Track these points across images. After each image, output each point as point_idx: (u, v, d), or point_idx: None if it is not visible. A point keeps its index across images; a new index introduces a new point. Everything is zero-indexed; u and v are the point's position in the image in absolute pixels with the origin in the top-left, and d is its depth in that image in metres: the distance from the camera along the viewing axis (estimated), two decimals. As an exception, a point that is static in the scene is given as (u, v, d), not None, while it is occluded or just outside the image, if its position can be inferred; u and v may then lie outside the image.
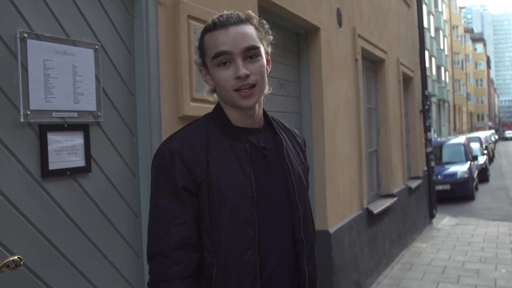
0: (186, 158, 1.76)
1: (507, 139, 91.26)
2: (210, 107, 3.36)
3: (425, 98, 11.54)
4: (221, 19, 1.81)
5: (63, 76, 2.50)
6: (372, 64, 8.34)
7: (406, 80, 10.82)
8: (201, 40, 1.86)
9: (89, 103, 2.63)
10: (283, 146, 1.95)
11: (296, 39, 5.46)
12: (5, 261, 2.13)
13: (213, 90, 1.96)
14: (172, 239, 1.73)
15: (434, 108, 44.77)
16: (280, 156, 1.93)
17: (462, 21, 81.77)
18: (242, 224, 1.77)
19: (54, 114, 2.45)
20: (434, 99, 45.30)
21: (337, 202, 5.81)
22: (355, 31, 6.73)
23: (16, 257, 2.16)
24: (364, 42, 7.14)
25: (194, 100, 3.24)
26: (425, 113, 11.51)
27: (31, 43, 2.34)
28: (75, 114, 2.56)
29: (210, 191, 1.77)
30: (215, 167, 1.78)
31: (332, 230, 5.56)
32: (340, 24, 6.17)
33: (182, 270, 1.73)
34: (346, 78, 6.37)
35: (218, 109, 1.94)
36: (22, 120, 2.30)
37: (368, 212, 6.98)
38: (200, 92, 3.30)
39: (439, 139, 20.89)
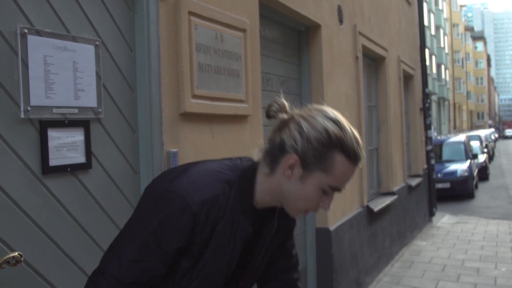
0: (197, 224, 1.60)
1: (507, 137, 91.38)
2: (211, 104, 3.37)
3: (426, 96, 11.53)
4: (360, 154, 1.61)
5: (63, 72, 2.49)
6: (373, 62, 8.32)
7: (407, 78, 10.81)
8: (329, 152, 1.58)
9: (89, 99, 2.62)
10: (270, 233, 1.82)
11: (297, 36, 5.44)
12: (5, 258, 2.13)
13: (266, 158, 1.69)
14: (137, 277, 1.61)
15: (434, 106, 44.76)
16: (264, 240, 1.81)
17: (463, 19, 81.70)
18: None
19: (54, 110, 2.44)
20: (434, 97, 45.27)
21: (338, 200, 5.81)
22: (356, 28, 6.72)
23: (16, 254, 2.15)
24: (365, 40, 7.13)
25: (195, 96, 3.23)
26: (426, 111, 11.50)
27: (31, 39, 2.33)
28: (76, 110, 2.55)
29: (196, 263, 1.67)
30: (214, 244, 1.66)
31: (332, 227, 5.55)
32: (341, 21, 6.16)
33: None
34: (346, 76, 6.36)
35: (247, 182, 1.70)
36: (22, 116, 2.29)
37: (368, 210, 6.97)
38: (201, 89, 3.29)
39: (439, 138, 20.88)
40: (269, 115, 1.68)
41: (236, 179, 1.68)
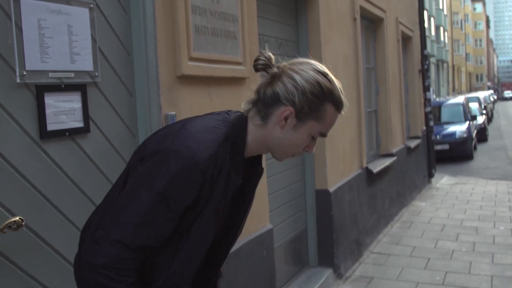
0: (205, 180, 1.63)
1: (506, 99, 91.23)
2: (208, 66, 3.36)
3: (424, 57, 11.48)
4: (345, 103, 1.78)
5: (58, 36, 2.46)
6: (371, 23, 8.25)
7: (405, 40, 10.74)
8: (322, 103, 1.71)
9: (85, 63, 2.61)
10: (259, 178, 1.93)
11: (294, -2, 5.39)
12: (6, 222, 2.14)
13: (256, 110, 1.76)
14: (144, 240, 1.60)
15: (433, 69, 44.59)
16: (254, 185, 1.92)
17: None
18: (200, 251, 1.76)
19: (50, 75, 2.43)
20: (433, 60, 45.07)
21: (337, 162, 5.82)
22: (354, -11, 6.65)
23: (17, 218, 2.16)
24: (363, 1, 7.05)
25: (192, 59, 3.21)
26: (424, 73, 11.46)
27: (24, 2, 2.30)
28: (72, 74, 2.53)
29: (195, 220, 1.69)
30: (216, 192, 1.69)
31: (332, 189, 5.58)
32: (338, -18, 6.09)
33: (135, 272, 1.63)
34: (344, 37, 6.31)
35: (240, 135, 1.76)
36: (18, 80, 2.27)
37: (368, 172, 7.00)
38: (197, 51, 3.27)
39: (438, 99, 20.85)
40: (256, 69, 1.76)
41: (230, 133, 1.73)
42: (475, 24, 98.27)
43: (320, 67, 1.74)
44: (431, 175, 11.76)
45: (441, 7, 54.23)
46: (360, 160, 6.79)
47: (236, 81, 3.74)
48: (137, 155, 1.76)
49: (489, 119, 33.56)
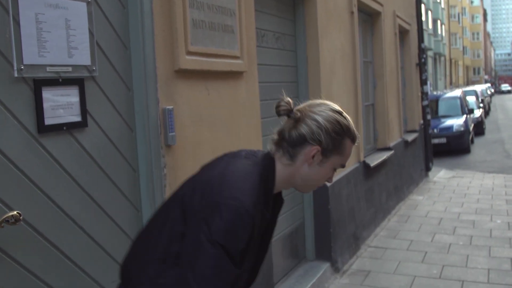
0: (254, 225, 1.75)
1: (503, 92, 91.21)
2: (206, 60, 3.35)
3: (422, 51, 11.47)
4: (357, 135, 2.01)
5: (56, 30, 2.46)
6: (369, 17, 8.25)
7: (403, 33, 10.73)
8: (342, 139, 1.93)
9: (83, 57, 2.60)
10: (281, 209, 2.08)
11: (292, -8, 5.39)
12: (4, 217, 2.14)
13: (283, 151, 1.94)
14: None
15: (430, 62, 44.56)
16: (276, 216, 2.06)
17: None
18: (251, 270, 1.97)
19: (48, 69, 2.43)
20: (430, 53, 45.04)
21: (334, 156, 5.82)
22: (351, -17, 6.64)
23: (15, 212, 2.17)
24: (360, -6, 7.05)
25: (189, 53, 3.21)
26: (421, 66, 11.46)
27: (22, -4, 2.30)
28: (70, 69, 2.53)
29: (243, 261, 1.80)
30: (256, 229, 1.80)
31: (329, 183, 5.58)
32: (335, -25, 6.08)
33: None
34: (342, 31, 6.31)
35: (271, 176, 1.94)
36: (16, 75, 2.27)
37: (365, 165, 7.01)
38: (195, 45, 3.27)
39: (435, 93, 20.85)
40: (279, 114, 1.94)
41: (263, 176, 1.89)
42: (473, 17, 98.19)
43: (335, 107, 1.95)
44: (428, 169, 11.78)
45: (438, 0, 54.18)
46: (357, 154, 6.79)
47: (233, 75, 3.74)
48: (179, 204, 1.86)
49: (486, 112, 33.58)
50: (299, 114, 1.91)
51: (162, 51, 3.04)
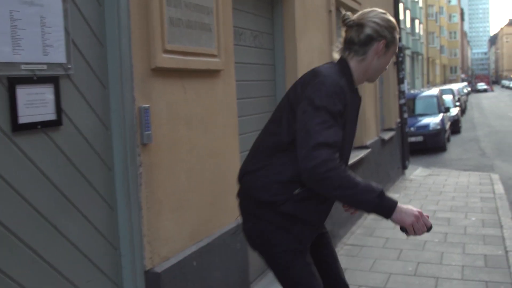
0: (345, 93, 2.43)
1: (479, 91, 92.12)
2: (183, 59, 3.34)
3: (399, 50, 11.55)
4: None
5: (31, 28, 2.44)
6: (346, 16, 8.27)
7: (380, 32, 10.78)
8: (394, 30, 2.61)
9: (58, 55, 2.58)
10: (360, 103, 2.71)
11: (270, -10, 5.39)
12: (-23, 215, 2.12)
13: (354, 51, 2.59)
14: (332, 138, 2.32)
15: (408, 61, 44.89)
16: (358, 109, 2.69)
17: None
18: (349, 144, 2.61)
19: (22, 67, 2.40)
20: (408, 52, 45.36)
21: (311, 154, 5.84)
22: (329, -19, 6.67)
23: (-12, 211, 2.14)
24: (338, -7, 7.08)
25: (166, 51, 3.20)
26: (399, 65, 11.55)
27: (-4, -7, 2.28)
28: (45, 67, 2.51)
29: (345, 119, 2.45)
30: (348, 106, 2.47)
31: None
32: (314, -26, 6.10)
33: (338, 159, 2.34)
34: (320, 30, 6.33)
35: (347, 70, 2.57)
36: (-11, 72, 2.25)
37: (342, 164, 7.03)
38: (172, 43, 3.26)
39: (412, 91, 21.02)
40: (345, 23, 2.59)
41: (336, 69, 2.54)
42: (450, 17, 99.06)
43: (382, 11, 2.64)
44: (405, 167, 11.88)
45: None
46: (335, 152, 6.81)
47: (210, 73, 3.74)
48: (286, 102, 2.58)
49: (463, 111, 33.96)
50: (360, 22, 2.56)
51: (138, 49, 3.03)
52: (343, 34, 2.64)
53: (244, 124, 4.58)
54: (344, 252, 6.43)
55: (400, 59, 11.54)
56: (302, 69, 5.55)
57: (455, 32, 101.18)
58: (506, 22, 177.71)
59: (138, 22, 3.03)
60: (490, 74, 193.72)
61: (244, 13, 4.73)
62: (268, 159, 2.57)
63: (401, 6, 36.90)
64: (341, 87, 2.40)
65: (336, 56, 2.64)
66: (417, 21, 54.60)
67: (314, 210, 2.56)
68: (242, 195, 2.66)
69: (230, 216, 3.98)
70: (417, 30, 54.50)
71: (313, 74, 2.49)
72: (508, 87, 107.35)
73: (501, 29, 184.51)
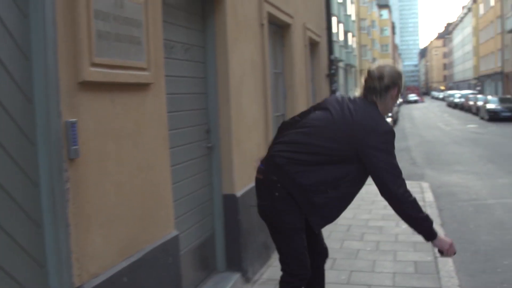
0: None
1: (410, 102, 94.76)
2: (111, 72, 3.29)
3: (331, 62, 11.79)
4: None
5: (-51, 40, 2.36)
6: (279, 29, 8.39)
7: (313, 45, 10.98)
8: (400, 79, 3.82)
9: (-21, 68, 2.51)
10: None
11: (201, 3, 5.39)
12: None
13: (376, 96, 3.77)
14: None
15: (341, 73, 45.72)
16: None
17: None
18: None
19: None
20: (341, 64, 46.21)
21: (244, 166, 5.87)
22: (261, -5, 6.74)
23: None
24: (270, 7, 7.16)
25: (94, 65, 3.15)
26: (331, 77, 11.77)
27: None
28: (-36, 80, 2.43)
29: None
30: None
31: (239, 194, 5.63)
32: (245, -12, 6.15)
33: None
34: (252, 43, 6.38)
35: (379, 111, 3.73)
36: None
37: (276, 175, 7.08)
38: (100, 56, 3.21)
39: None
40: (370, 75, 3.77)
41: (376, 107, 3.73)
42: (382, 30, 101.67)
43: (392, 64, 3.90)
44: (338, 177, 12.04)
45: (349, 13, 55.76)
46: (268, 164, 6.85)
47: (140, 87, 3.71)
48: (342, 127, 3.64)
49: (395, 121, 34.85)
50: (381, 75, 3.72)
51: (65, 63, 2.97)
52: (362, 81, 3.82)
53: (175, 137, 4.56)
54: (278, 264, 6.43)
55: (333, 71, 11.76)
56: (234, 81, 5.58)
57: (386, 45, 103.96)
58: (435, 35, 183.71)
59: (65, 35, 2.98)
60: (420, 85, 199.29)
61: (175, 26, 4.72)
62: (313, 166, 3.63)
63: (334, 19, 37.65)
64: (393, 131, 3.63)
65: (364, 96, 3.78)
66: (350, 34, 55.79)
67: (336, 206, 3.78)
68: (281, 176, 3.66)
69: (162, 230, 3.95)
70: (350, 43, 55.68)
71: (371, 119, 3.60)
72: (437, 98, 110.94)
73: (431, 42, 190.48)
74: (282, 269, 3.88)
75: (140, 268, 3.59)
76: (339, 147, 3.57)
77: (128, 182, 3.54)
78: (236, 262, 5.63)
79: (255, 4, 6.57)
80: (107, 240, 3.29)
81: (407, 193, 3.55)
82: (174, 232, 4.15)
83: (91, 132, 3.16)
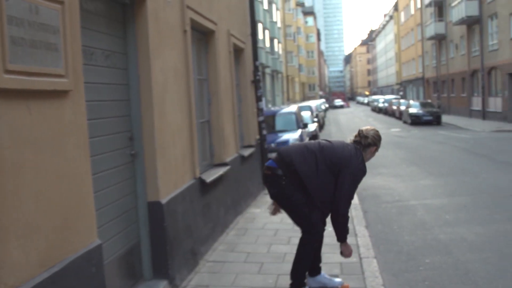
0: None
1: (336, 107, 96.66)
2: (27, 79, 3.22)
3: (256, 69, 11.87)
4: None
5: None
6: (203, 36, 8.41)
7: (238, 52, 11.05)
8: (380, 141, 5.46)
9: None
10: None
11: (122, 9, 5.34)
12: None
13: (361, 147, 5.40)
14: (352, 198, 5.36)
15: (268, 79, 46.14)
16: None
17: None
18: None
19: None
20: (268, 70, 46.65)
21: (169, 173, 5.85)
22: (184, 1, 6.74)
23: None
24: (193, 13, 7.17)
25: (8, 72, 3.07)
26: (257, 83, 11.85)
27: None
28: None
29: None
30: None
31: (164, 201, 5.60)
32: (167, -6, 6.13)
33: None
34: (175, 49, 6.37)
35: (362, 157, 5.34)
36: None
37: (201, 181, 7.11)
38: (14, 63, 3.13)
39: (272, 108, 21.64)
40: (360, 134, 5.45)
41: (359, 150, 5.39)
42: (307, 37, 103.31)
43: (375, 130, 5.47)
44: (265, 182, 12.13)
45: (275, 20, 56.39)
46: (193, 170, 6.87)
47: (58, 94, 3.63)
48: (330, 163, 5.27)
49: (321, 126, 35.46)
50: (366, 136, 5.36)
51: (-23, 70, 2.89)
52: (353, 137, 5.45)
53: (97, 145, 4.50)
54: (206, 269, 6.48)
55: (258, 77, 11.85)
56: (157, 88, 5.56)
57: (312, 52, 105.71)
58: (359, 42, 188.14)
59: (-24, 41, 2.90)
60: (346, 91, 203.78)
61: (94, 32, 4.66)
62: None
63: (260, 26, 37.97)
64: (365, 172, 5.32)
65: (352, 143, 5.41)
66: (276, 41, 56.42)
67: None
68: (288, 174, 5.26)
69: (84, 239, 3.89)
70: (276, 49, 56.30)
71: (350, 158, 5.19)
72: (363, 103, 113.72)
73: (355, 49, 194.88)
74: (302, 231, 5.56)
75: (62, 278, 3.51)
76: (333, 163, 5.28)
77: (47, 191, 3.46)
78: (163, 270, 5.59)
79: (178, 10, 6.57)
80: (25, 251, 3.20)
81: (347, 213, 5.37)
82: (97, 241, 4.08)
83: (6, 141, 3.08)
